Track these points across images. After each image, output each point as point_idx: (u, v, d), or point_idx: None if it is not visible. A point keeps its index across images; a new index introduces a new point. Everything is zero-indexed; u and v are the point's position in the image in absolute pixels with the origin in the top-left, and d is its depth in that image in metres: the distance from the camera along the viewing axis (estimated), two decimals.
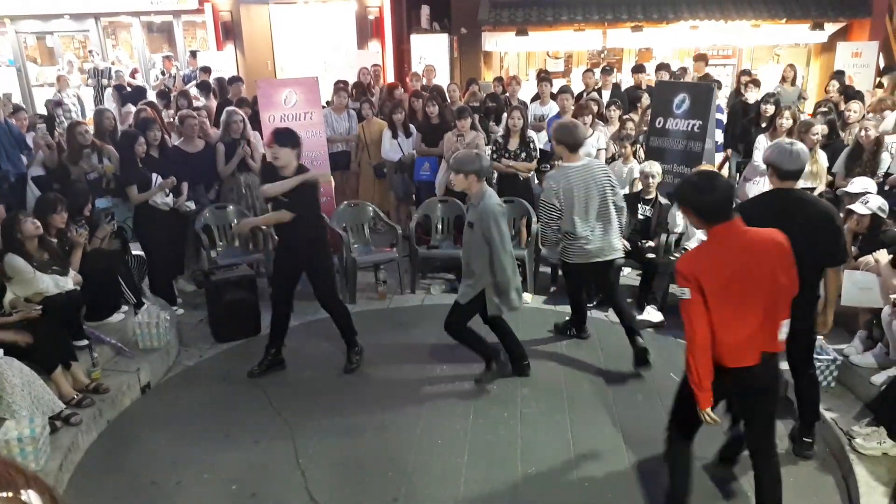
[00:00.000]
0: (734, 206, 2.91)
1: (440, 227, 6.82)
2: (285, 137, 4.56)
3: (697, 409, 2.96)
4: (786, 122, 6.07)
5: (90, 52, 13.61)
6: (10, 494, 0.73)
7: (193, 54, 12.34)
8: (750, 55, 13.42)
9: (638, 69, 9.39)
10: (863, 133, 5.84)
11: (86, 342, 4.74)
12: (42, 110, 10.75)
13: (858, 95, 8.33)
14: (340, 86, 8.22)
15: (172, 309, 5.89)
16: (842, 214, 5.15)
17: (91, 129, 6.26)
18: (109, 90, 10.92)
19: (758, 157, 6.49)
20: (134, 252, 6.07)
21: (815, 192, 5.93)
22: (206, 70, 10.52)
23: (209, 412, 4.57)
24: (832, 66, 11.01)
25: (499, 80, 9.79)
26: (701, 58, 9.86)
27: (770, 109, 6.94)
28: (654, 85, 8.38)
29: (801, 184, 5.93)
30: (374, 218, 6.89)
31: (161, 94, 9.18)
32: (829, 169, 6.15)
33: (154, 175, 5.89)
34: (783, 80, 9.86)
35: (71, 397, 4.27)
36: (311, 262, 4.83)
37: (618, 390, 4.70)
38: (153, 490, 3.82)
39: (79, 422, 4.14)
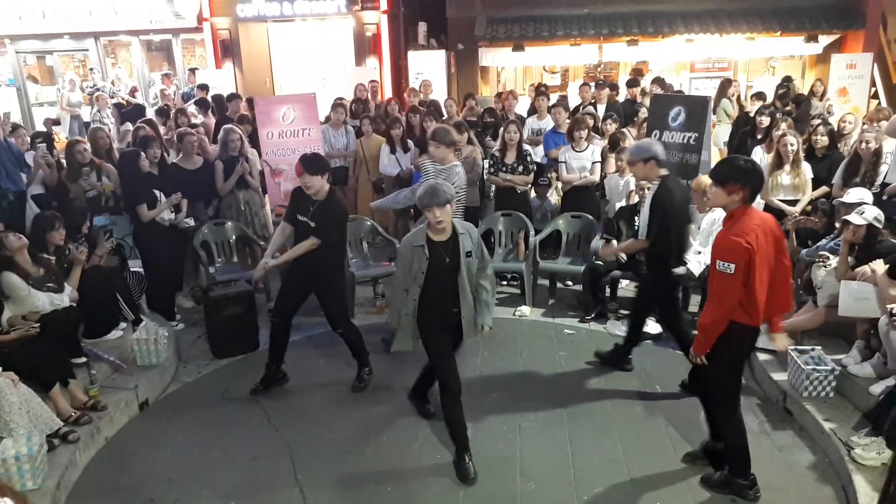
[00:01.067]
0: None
1: None
2: (314, 166, 4.52)
3: (692, 353, 3.54)
4: (790, 137, 6.07)
5: (91, 70, 13.70)
6: None
7: (192, 71, 12.42)
8: (745, 67, 13.51)
9: (632, 83, 9.45)
10: (863, 145, 5.85)
11: (84, 359, 4.75)
12: (42, 129, 10.78)
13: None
14: (338, 102, 8.27)
15: (171, 325, 5.90)
16: (838, 225, 5.20)
17: (89, 147, 6.29)
18: (109, 109, 11.00)
19: None
20: (133, 269, 6.08)
21: (799, 205, 5.95)
22: (204, 88, 10.58)
23: (207, 429, 4.56)
24: (827, 78, 11.08)
25: (499, 95, 9.84)
26: (657, 81, 9.74)
27: (765, 121, 6.98)
28: (649, 98, 8.42)
29: (783, 195, 6.01)
30: (372, 232, 6.91)
31: (160, 112, 9.23)
32: (827, 180, 6.16)
33: (157, 192, 5.92)
34: (812, 94, 9.85)
35: (69, 415, 4.27)
36: (324, 284, 4.77)
37: (617, 403, 4.69)
38: None
39: (76, 439, 4.13)
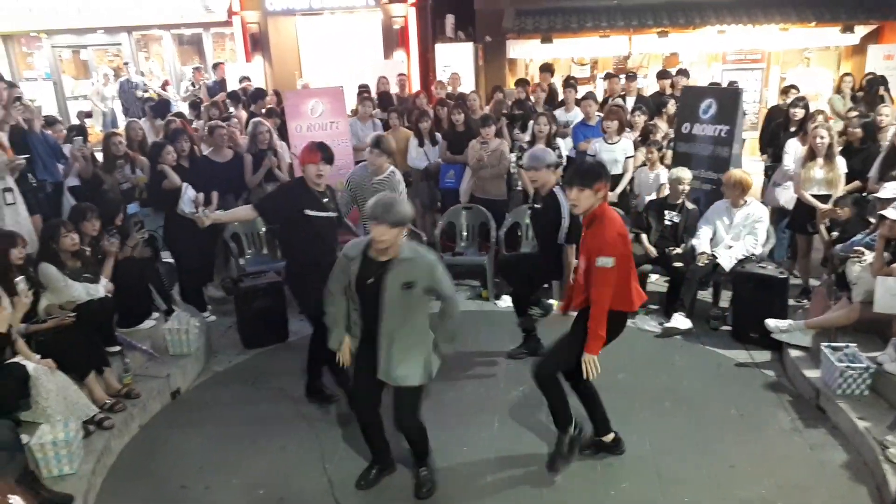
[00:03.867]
0: None
1: (465, 234, 6.84)
2: (330, 154, 4.48)
3: (586, 356, 3.58)
4: (821, 129, 5.94)
5: (125, 64, 13.92)
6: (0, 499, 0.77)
7: (217, 66, 12.49)
8: (779, 59, 13.24)
9: (663, 75, 9.31)
10: None
11: (118, 348, 4.85)
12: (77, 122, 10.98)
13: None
14: (365, 94, 8.29)
15: (203, 315, 5.99)
16: (873, 220, 5.09)
17: (124, 139, 6.40)
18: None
19: (787, 161, 6.41)
20: (164, 259, 6.17)
21: (831, 200, 5.84)
22: (243, 80, 10.71)
23: (237, 417, 4.63)
24: (863, 70, 10.82)
25: (522, 82, 9.75)
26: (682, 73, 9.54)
27: (799, 113, 6.84)
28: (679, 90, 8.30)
29: (816, 189, 5.89)
30: None
31: (192, 105, 9.34)
32: (862, 174, 6.03)
33: (184, 184, 5.98)
34: (839, 91, 9.50)
35: (104, 402, 4.36)
36: None
37: (644, 398, 4.66)
38: (182, 494, 3.87)
39: (111, 426, 4.22)
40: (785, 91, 8.23)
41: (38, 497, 3.42)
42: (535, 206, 4.81)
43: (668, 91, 8.73)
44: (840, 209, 5.59)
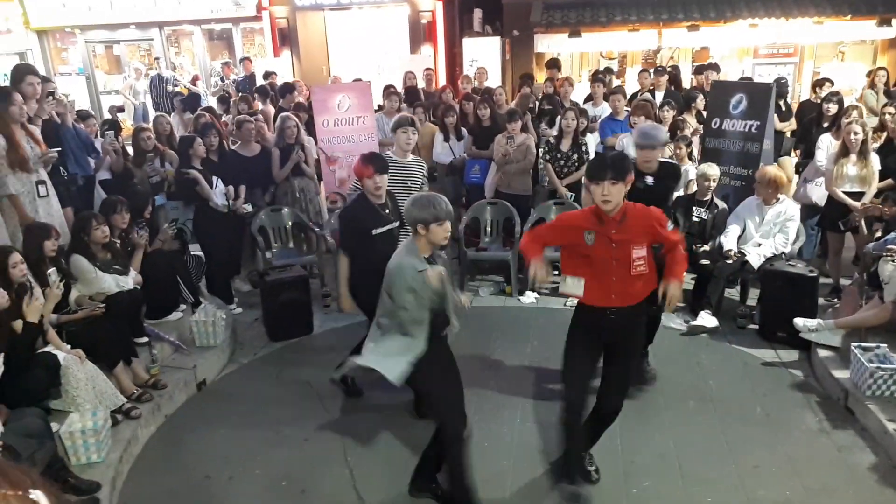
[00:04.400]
0: None
1: (489, 229, 6.83)
2: (383, 163, 4.23)
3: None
4: (855, 125, 5.81)
5: (156, 59, 14.12)
6: (20, 492, 0.78)
7: (244, 60, 12.59)
8: (812, 53, 12.97)
9: (700, 70, 9.16)
10: None
11: (146, 339, 4.93)
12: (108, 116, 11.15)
13: None
14: (391, 90, 8.30)
15: (229, 308, 6.07)
16: None
17: (153, 134, 6.50)
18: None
19: (820, 157, 6.28)
20: (193, 252, 6.26)
21: (865, 198, 5.71)
22: (268, 75, 10.79)
23: (262, 409, 4.69)
24: None
25: (553, 63, 9.62)
26: (711, 67, 9.36)
27: (833, 108, 6.70)
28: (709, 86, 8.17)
29: (848, 187, 5.76)
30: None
31: (221, 100, 9.44)
32: None
33: (214, 178, 6.08)
34: (873, 86, 9.24)
35: (131, 392, 4.45)
36: None
37: (669, 397, 4.61)
38: (207, 484, 3.93)
39: (138, 416, 4.30)
40: (818, 85, 8.03)
41: (64, 486, 3.50)
42: (645, 182, 4.26)
43: (706, 87, 8.58)
44: (887, 208, 5.45)
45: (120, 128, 7.45)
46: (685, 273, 5.77)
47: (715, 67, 9.12)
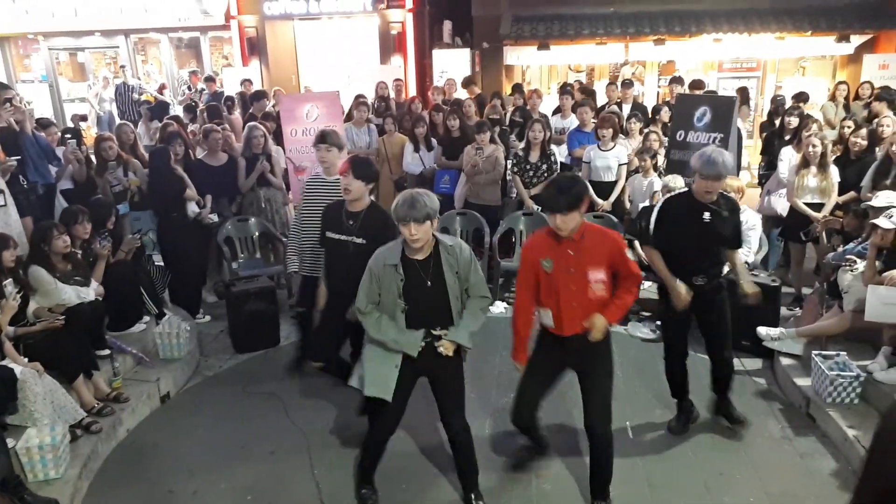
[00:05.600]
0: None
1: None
2: (362, 169, 3.90)
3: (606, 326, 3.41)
4: (814, 138, 5.94)
5: (122, 67, 13.92)
6: None
7: (208, 80, 12.07)
8: (775, 67, 13.29)
9: (698, 85, 9.27)
10: (894, 147, 5.71)
11: (108, 352, 4.82)
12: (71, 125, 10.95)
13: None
14: (361, 100, 8.30)
15: (196, 319, 5.99)
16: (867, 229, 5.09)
17: (116, 143, 6.39)
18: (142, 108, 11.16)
19: (782, 168, 6.42)
20: (156, 263, 6.16)
21: (824, 209, 5.85)
22: (245, 82, 10.74)
23: (227, 422, 4.62)
24: (859, 79, 10.86)
25: (518, 87, 9.73)
26: (676, 80, 9.58)
27: (794, 121, 6.86)
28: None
29: (809, 198, 5.90)
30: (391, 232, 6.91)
31: (187, 109, 9.34)
32: (857, 184, 6.02)
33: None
34: (833, 99, 9.40)
35: (92, 406, 4.35)
36: None
37: (635, 403, 4.64)
38: (170, 499, 3.86)
39: (99, 430, 4.21)
40: (774, 100, 8.19)
41: (22, 503, 3.40)
42: (706, 216, 3.89)
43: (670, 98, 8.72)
44: (845, 220, 5.57)
45: (82, 136, 7.32)
46: (653, 283, 5.88)
47: (679, 80, 9.28)
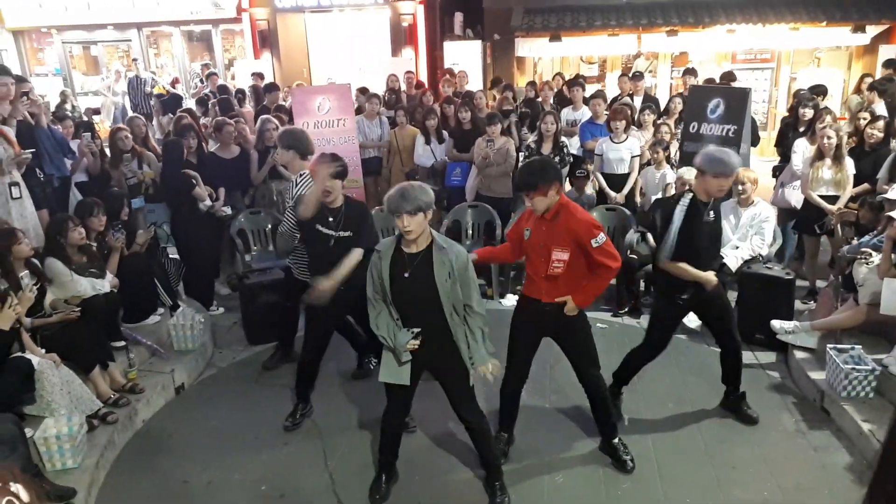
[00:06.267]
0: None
1: (470, 232, 6.84)
2: (337, 170, 4.04)
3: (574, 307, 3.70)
4: (829, 129, 5.89)
5: (134, 60, 13.99)
6: (1, 485, 0.77)
7: (209, 76, 11.93)
8: (789, 59, 13.18)
9: (689, 72, 9.26)
10: None
11: (123, 343, 4.87)
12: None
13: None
14: (371, 93, 8.31)
15: (210, 311, 6.03)
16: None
17: (130, 134, 6.43)
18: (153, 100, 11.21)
19: (796, 161, 6.37)
20: (171, 255, 6.20)
21: (839, 202, 5.80)
22: (255, 76, 10.73)
23: (240, 413, 4.65)
24: (874, 70, 10.74)
25: (532, 84, 9.77)
26: (689, 72, 9.52)
27: (808, 113, 6.80)
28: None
29: (824, 190, 5.85)
30: None
31: (199, 102, 9.37)
32: (872, 176, 5.97)
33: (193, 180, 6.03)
34: (859, 91, 9.29)
35: (108, 397, 4.39)
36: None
37: (647, 397, 4.63)
38: (185, 489, 3.89)
39: (115, 420, 4.25)
40: (797, 95, 8.08)
41: (43, 489, 3.44)
42: (711, 215, 3.94)
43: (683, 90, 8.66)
44: (860, 212, 5.52)
45: (94, 129, 7.35)
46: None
47: (693, 72, 9.22)
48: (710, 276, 4.01)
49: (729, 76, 8.88)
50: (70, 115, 8.55)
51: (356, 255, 4.15)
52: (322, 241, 4.17)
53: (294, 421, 4.46)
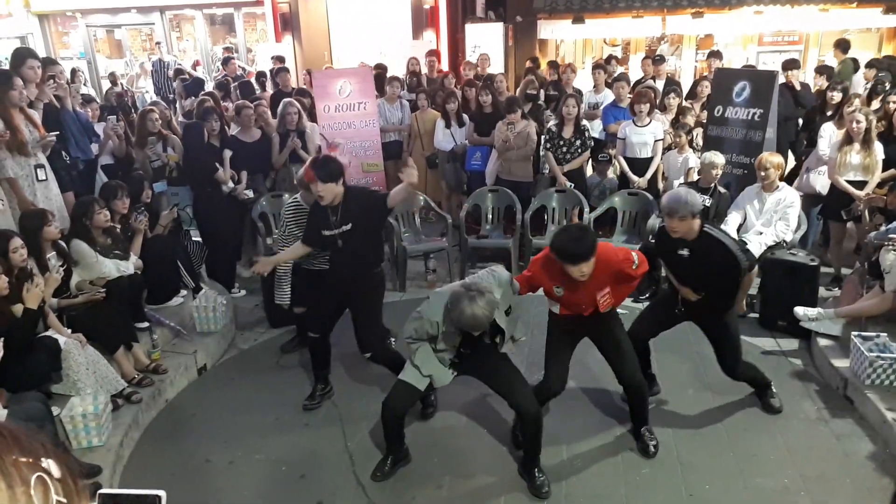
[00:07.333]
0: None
1: (490, 216, 6.82)
2: (326, 171, 3.95)
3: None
4: (858, 114, 5.77)
5: (157, 44, 14.05)
6: (32, 460, 0.78)
7: (226, 62, 11.93)
8: (817, 41, 12.89)
9: (714, 55, 9.14)
10: None
11: (146, 324, 4.94)
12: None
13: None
14: (392, 76, 8.28)
15: (231, 292, 6.10)
16: None
17: (160, 116, 6.48)
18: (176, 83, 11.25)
19: (822, 146, 6.25)
20: (193, 238, 6.26)
21: (867, 187, 5.69)
22: (276, 59, 10.73)
23: (262, 395, 4.71)
24: None
25: (553, 64, 9.65)
26: (714, 55, 9.39)
27: (836, 97, 6.66)
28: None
29: (852, 175, 5.74)
30: (424, 207, 6.92)
31: (219, 86, 9.39)
32: None
33: (217, 164, 6.08)
34: None
35: (132, 377, 4.46)
36: (362, 297, 4.25)
37: (668, 384, 4.60)
38: (207, 468, 3.96)
39: (139, 400, 4.32)
40: (820, 72, 7.93)
41: (75, 464, 3.51)
42: (681, 253, 3.85)
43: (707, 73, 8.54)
44: (891, 197, 5.41)
45: (118, 113, 7.43)
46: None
47: (718, 55, 9.08)
48: (686, 291, 3.96)
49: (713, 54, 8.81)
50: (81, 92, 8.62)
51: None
52: (331, 245, 4.19)
53: (313, 402, 4.52)
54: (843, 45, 8.72)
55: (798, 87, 7.60)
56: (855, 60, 8.67)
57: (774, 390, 4.35)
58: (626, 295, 3.83)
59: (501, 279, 3.53)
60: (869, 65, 8.04)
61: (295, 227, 4.61)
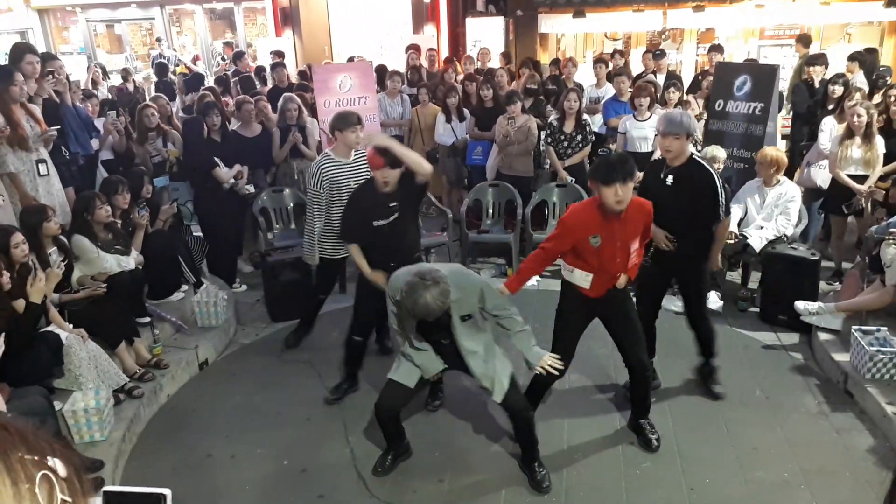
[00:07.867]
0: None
1: (491, 211, 6.82)
2: (392, 158, 3.97)
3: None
4: (859, 107, 5.76)
5: (158, 40, 14.04)
6: (38, 458, 0.78)
7: (239, 56, 11.88)
8: (819, 34, 12.85)
9: (715, 49, 9.14)
10: None
11: (148, 319, 4.95)
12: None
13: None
14: (392, 71, 8.26)
15: (232, 288, 6.10)
16: None
17: (157, 111, 6.48)
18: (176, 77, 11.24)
19: (823, 140, 6.25)
20: (194, 234, 6.27)
21: (868, 181, 5.69)
22: (274, 55, 10.71)
23: (263, 389, 4.72)
24: None
25: (555, 62, 9.65)
26: (715, 49, 9.37)
27: (838, 91, 6.65)
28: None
29: (853, 169, 5.73)
30: (425, 202, 6.91)
31: (218, 81, 9.38)
32: None
33: (216, 159, 6.07)
34: None
35: (134, 372, 4.47)
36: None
37: (668, 377, 4.61)
38: (209, 462, 3.97)
39: (141, 395, 4.33)
40: (810, 63, 7.63)
41: (81, 461, 3.52)
42: (665, 180, 3.98)
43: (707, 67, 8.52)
44: (888, 190, 5.41)
45: (118, 108, 7.41)
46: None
47: (719, 49, 9.06)
48: (658, 232, 3.99)
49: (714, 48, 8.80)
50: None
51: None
52: (378, 235, 4.13)
53: (336, 395, 4.52)
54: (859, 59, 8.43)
55: (817, 84, 7.42)
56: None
57: (719, 377, 4.44)
58: (640, 263, 3.76)
59: (469, 282, 3.49)
60: (851, 58, 7.99)
61: (328, 182, 4.61)
